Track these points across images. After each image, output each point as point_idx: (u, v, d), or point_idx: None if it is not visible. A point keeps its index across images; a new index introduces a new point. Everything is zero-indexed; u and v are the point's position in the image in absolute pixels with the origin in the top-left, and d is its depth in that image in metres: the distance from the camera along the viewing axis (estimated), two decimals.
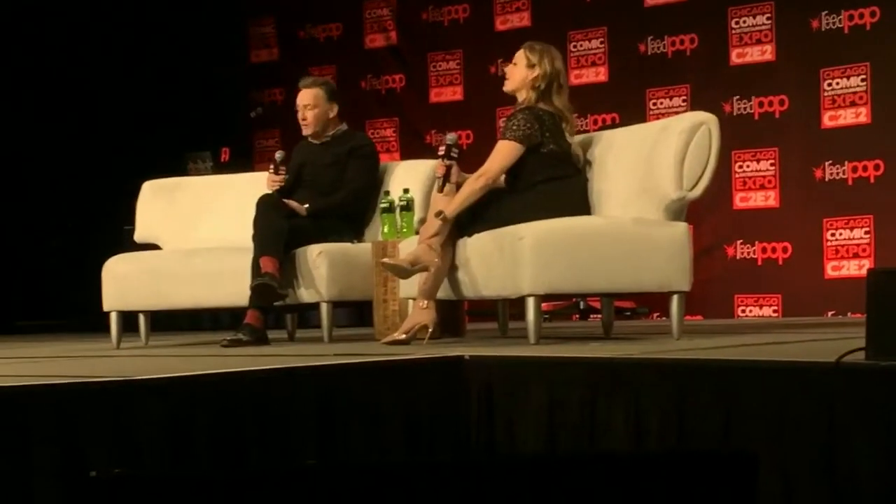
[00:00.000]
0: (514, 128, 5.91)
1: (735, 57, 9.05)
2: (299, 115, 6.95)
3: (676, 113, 8.69)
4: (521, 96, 6.00)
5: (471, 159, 6.43)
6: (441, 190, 6.00)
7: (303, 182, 6.88)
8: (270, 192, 6.75)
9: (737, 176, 8.99)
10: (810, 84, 8.69)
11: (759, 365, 4.13)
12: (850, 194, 8.55)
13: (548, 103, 5.93)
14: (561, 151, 5.92)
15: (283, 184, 6.79)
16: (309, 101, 6.93)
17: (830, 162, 8.63)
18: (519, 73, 6.00)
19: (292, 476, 2.48)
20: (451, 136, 6.13)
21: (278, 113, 10.96)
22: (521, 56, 6.01)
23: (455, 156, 6.04)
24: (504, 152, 5.92)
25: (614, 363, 4.44)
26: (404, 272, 5.90)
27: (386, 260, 5.97)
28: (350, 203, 6.82)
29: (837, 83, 8.60)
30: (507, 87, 6.06)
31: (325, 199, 6.77)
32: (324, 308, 6.48)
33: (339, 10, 11.00)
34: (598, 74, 9.66)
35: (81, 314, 8.87)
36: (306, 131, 6.96)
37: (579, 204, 5.91)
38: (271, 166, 6.85)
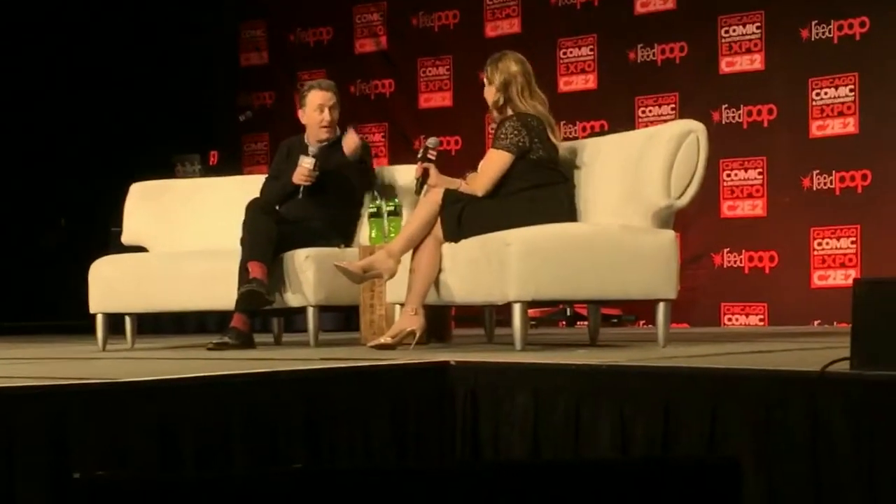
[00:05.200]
0: (503, 137, 5.92)
1: (724, 66, 9.07)
2: (323, 116, 6.82)
3: (665, 121, 8.71)
4: (496, 114, 6.04)
5: (460, 165, 6.44)
6: (418, 192, 6.06)
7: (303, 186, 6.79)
8: (300, 185, 6.69)
9: (724, 184, 9.01)
10: (799, 93, 8.72)
11: (745, 373, 4.14)
12: (837, 204, 8.57)
13: (514, 107, 5.94)
14: (549, 158, 5.94)
15: (314, 181, 6.73)
16: (334, 102, 6.89)
17: (818, 171, 8.65)
18: (487, 94, 6.04)
19: (278, 480, 2.48)
20: (431, 140, 6.17)
21: (267, 117, 10.97)
22: (484, 78, 6.05)
23: (432, 158, 6.09)
24: (495, 164, 5.93)
25: (600, 370, 4.45)
26: (356, 278, 5.95)
27: (338, 263, 5.99)
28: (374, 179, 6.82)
29: (826, 93, 8.62)
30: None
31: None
32: (310, 312, 6.47)
33: (329, 14, 11.00)
34: (587, 82, 9.68)
35: (67, 316, 8.85)
36: (327, 133, 6.84)
37: (566, 211, 5.92)
38: (308, 161, 6.70)
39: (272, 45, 11.32)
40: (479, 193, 5.93)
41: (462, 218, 5.81)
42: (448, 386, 4.62)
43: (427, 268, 5.81)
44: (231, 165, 9.95)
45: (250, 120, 10.88)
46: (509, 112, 5.97)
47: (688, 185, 5.70)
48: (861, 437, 3.63)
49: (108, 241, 8.51)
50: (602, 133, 8.74)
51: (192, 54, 11.11)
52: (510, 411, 4.46)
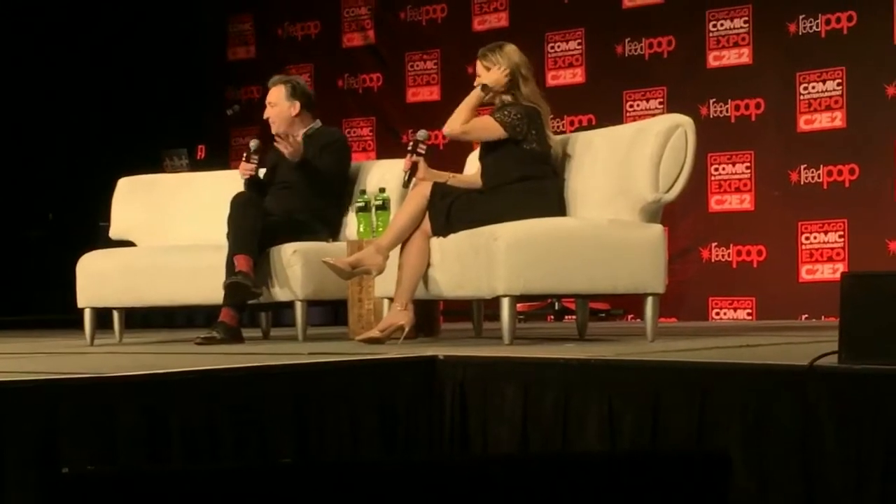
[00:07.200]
0: (506, 114, 5.93)
1: (712, 60, 9.07)
2: (264, 114, 6.95)
3: (653, 115, 8.71)
4: (497, 101, 6.03)
5: (446, 160, 6.44)
6: (407, 185, 6.07)
7: (277, 182, 6.83)
8: (242, 179, 6.72)
9: (712, 178, 9.02)
10: (786, 87, 8.72)
11: (733, 367, 4.15)
12: (824, 198, 8.58)
13: (520, 96, 5.95)
14: (541, 152, 5.94)
15: (254, 173, 6.75)
16: (272, 100, 6.93)
17: (805, 165, 8.66)
18: (489, 78, 6.02)
19: (267, 474, 2.48)
20: (421, 133, 6.18)
21: (255, 111, 10.94)
22: (480, 67, 6.05)
23: (422, 152, 6.10)
24: (485, 128, 5.98)
25: (588, 364, 4.45)
26: (345, 274, 5.94)
27: (327, 259, 5.98)
28: (326, 180, 6.74)
29: (813, 87, 8.63)
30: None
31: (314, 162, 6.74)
32: (298, 307, 6.47)
33: (317, 8, 11.00)
34: (575, 76, 9.68)
35: (55, 310, 8.84)
36: (272, 129, 6.92)
37: (555, 206, 5.92)
38: (245, 154, 6.79)
39: (260, 39, 11.32)
40: (446, 130, 5.95)
41: (450, 212, 5.81)
42: (436, 380, 4.62)
43: (415, 262, 5.81)
44: (219, 159, 9.93)
45: (238, 114, 10.87)
46: (512, 98, 5.97)
47: (676, 180, 5.71)
48: (849, 430, 3.64)
49: (96, 235, 8.49)
50: (590, 127, 8.74)
51: (179, 48, 11.09)
52: (499, 405, 4.46)
